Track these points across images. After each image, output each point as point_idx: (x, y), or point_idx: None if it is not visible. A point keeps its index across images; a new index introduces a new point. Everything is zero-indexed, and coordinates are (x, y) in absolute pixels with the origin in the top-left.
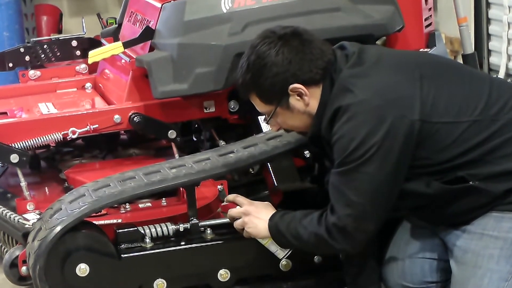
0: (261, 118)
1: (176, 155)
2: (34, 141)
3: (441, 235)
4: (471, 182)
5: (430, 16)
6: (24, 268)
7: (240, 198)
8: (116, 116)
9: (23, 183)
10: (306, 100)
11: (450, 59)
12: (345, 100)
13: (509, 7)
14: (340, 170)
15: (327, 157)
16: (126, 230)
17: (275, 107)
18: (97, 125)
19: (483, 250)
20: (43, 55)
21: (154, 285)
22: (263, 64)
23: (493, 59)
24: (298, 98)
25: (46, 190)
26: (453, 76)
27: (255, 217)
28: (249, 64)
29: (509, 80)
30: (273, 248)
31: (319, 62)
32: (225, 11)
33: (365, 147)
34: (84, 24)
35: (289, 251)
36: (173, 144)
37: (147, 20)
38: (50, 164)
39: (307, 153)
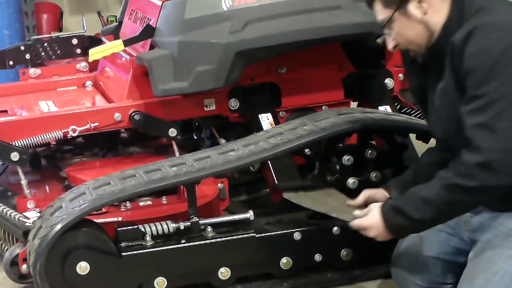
0: (261, 116)
1: (177, 153)
2: (35, 139)
3: (467, 233)
4: None
5: None
6: (24, 266)
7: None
8: (117, 114)
9: (24, 181)
10: (425, 7)
11: None
12: (491, 18)
13: None
14: (488, 90)
15: (435, 76)
16: (126, 228)
17: (393, 11)
18: (97, 123)
19: (503, 249)
20: (43, 53)
21: (155, 283)
22: None
23: None
24: (418, 5)
25: (47, 188)
26: None
27: (378, 225)
28: None
29: None
30: None
31: None
32: (225, 9)
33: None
34: (84, 22)
35: None
36: (173, 142)
37: (148, 18)
38: (50, 162)
39: (307, 151)
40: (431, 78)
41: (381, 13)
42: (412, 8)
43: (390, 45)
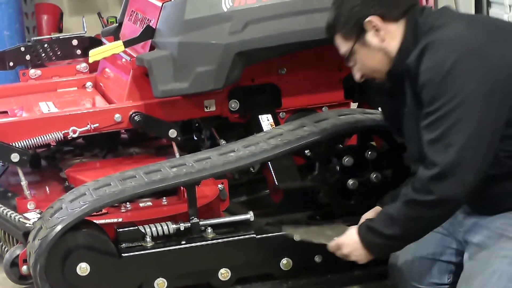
0: (261, 117)
1: (177, 154)
2: (35, 140)
3: (458, 233)
4: None
5: None
6: (24, 267)
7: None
8: (117, 115)
9: (24, 182)
10: (382, 35)
11: None
12: (440, 35)
13: (509, 6)
14: (436, 107)
15: (402, 100)
16: (126, 229)
17: (353, 43)
18: (97, 124)
19: (498, 250)
20: (43, 54)
21: (155, 284)
22: None
23: None
24: (375, 33)
25: (47, 189)
26: None
27: (351, 243)
28: (334, 2)
29: None
30: None
31: (401, 1)
32: (225, 10)
33: (468, 76)
34: (84, 23)
35: None
36: (173, 143)
37: (148, 19)
38: (50, 163)
39: (307, 152)
40: (399, 103)
41: (342, 46)
42: (370, 37)
43: (356, 76)
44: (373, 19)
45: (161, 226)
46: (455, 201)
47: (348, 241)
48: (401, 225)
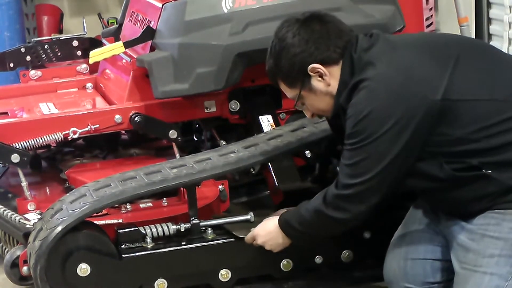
0: (261, 118)
1: (177, 155)
2: (35, 141)
3: (444, 232)
4: (484, 171)
5: (431, 15)
6: (25, 268)
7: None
8: (117, 116)
9: (24, 183)
10: (327, 80)
11: (485, 42)
12: (367, 74)
13: (510, 7)
14: (351, 142)
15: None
16: (127, 230)
17: (299, 90)
18: (98, 125)
19: (483, 250)
20: (44, 55)
21: (155, 285)
22: (282, 47)
23: None
24: (320, 79)
25: (47, 190)
26: (486, 57)
27: (265, 233)
28: (271, 49)
29: None
30: None
31: (337, 41)
32: (225, 11)
33: (380, 121)
34: (85, 24)
35: None
36: (174, 144)
37: (148, 20)
38: (51, 164)
39: (308, 153)
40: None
41: (288, 92)
42: (316, 83)
43: (308, 115)
44: (315, 66)
45: (162, 227)
46: (357, 218)
47: (262, 232)
48: (312, 227)
